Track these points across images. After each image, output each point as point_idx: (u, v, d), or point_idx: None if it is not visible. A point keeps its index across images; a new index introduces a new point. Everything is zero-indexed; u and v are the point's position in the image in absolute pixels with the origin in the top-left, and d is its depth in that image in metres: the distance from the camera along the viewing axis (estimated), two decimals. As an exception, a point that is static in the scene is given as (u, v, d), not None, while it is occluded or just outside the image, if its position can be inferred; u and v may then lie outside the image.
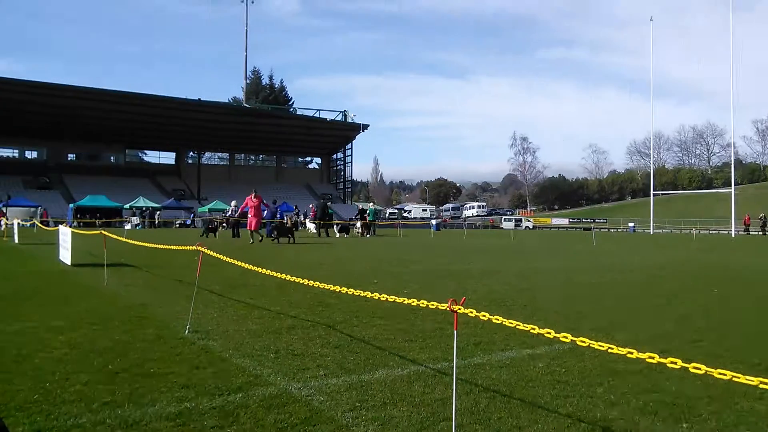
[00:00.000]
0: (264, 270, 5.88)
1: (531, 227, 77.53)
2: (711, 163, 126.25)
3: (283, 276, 5.23)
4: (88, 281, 9.69)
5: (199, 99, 67.53)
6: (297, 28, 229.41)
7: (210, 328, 6.03)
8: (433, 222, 52.71)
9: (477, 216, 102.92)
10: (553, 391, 4.13)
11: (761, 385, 2.19)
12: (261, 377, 4.34)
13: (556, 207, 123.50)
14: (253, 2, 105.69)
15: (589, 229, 57.99)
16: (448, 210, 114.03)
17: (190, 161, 79.37)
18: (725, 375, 2.28)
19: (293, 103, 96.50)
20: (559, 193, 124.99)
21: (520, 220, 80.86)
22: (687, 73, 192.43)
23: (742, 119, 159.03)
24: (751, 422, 3.57)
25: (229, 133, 74.05)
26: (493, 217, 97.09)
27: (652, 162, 76.21)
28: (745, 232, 56.14)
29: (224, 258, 6.33)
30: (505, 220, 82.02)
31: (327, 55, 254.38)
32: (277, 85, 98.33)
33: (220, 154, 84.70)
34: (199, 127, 70.74)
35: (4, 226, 26.18)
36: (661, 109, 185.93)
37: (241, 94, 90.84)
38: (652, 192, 62.07)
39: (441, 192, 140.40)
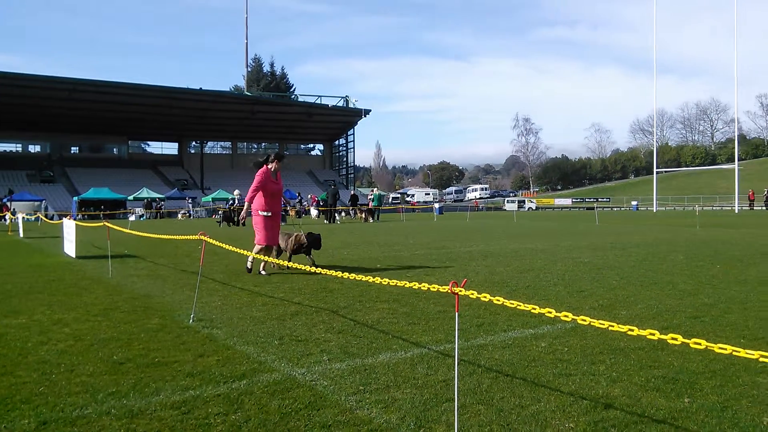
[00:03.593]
0: (266, 258, 5.91)
1: (534, 208, 77.39)
2: (714, 139, 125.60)
3: (286, 263, 5.26)
4: (93, 273, 9.73)
5: (201, 88, 67.36)
6: (297, 14, 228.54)
7: (214, 317, 6.06)
8: (437, 206, 52.68)
9: (480, 198, 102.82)
10: (556, 369, 4.14)
11: (761, 359, 2.18)
12: (265, 364, 4.36)
13: (559, 187, 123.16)
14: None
15: (592, 208, 57.91)
16: (451, 193, 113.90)
17: (192, 151, 79.33)
18: (726, 349, 2.28)
19: (294, 90, 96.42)
20: (562, 174, 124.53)
21: (523, 202, 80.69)
22: (690, 48, 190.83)
23: (746, 94, 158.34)
24: (752, 396, 3.58)
25: (231, 121, 74.00)
26: (495, 199, 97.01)
27: (655, 140, 76.07)
28: (749, 208, 55.99)
29: (227, 246, 6.34)
30: (507, 201, 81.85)
31: (327, 41, 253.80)
32: (278, 73, 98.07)
33: (222, 143, 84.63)
34: (200, 117, 70.67)
35: (9, 221, 26.28)
36: (664, 86, 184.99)
37: (242, 82, 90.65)
38: (655, 170, 61.90)
39: (444, 175, 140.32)
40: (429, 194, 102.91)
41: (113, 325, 5.71)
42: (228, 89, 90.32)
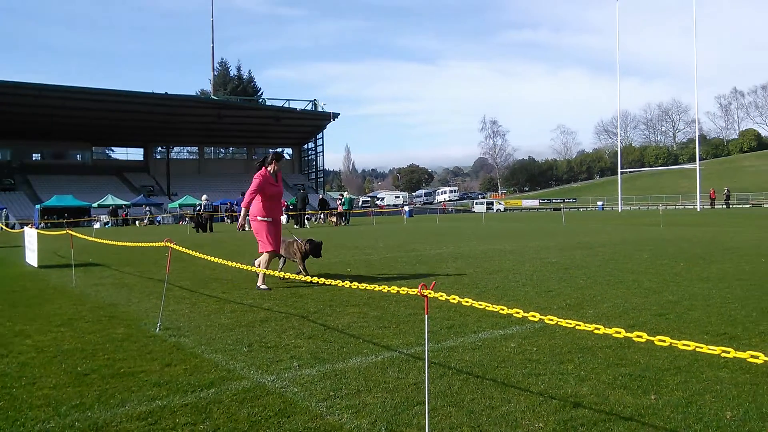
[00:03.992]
0: (235, 264, 5.84)
1: (502, 210, 78.13)
2: (676, 139, 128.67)
3: (255, 269, 5.21)
4: (56, 282, 9.50)
5: (166, 93, 66.49)
6: (264, 18, 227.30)
7: (181, 325, 5.96)
8: (406, 208, 52.87)
9: (449, 200, 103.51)
10: (525, 369, 4.17)
11: (723, 354, 2.23)
12: (234, 371, 4.31)
13: (527, 189, 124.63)
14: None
15: (559, 209, 58.73)
16: (421, 196, 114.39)
17: (158, 156, 78.08)
18: (689, 346, 2.32)
19: (262, 93, 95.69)
20: (529, 175, 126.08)
21: (492, 203, 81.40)
22: (652, 50, 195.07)
23: (705, 95, 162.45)
24: (716, 390, 3.66)
25: (198, 126, 73.05)
26: (464, 201, 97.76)
27: (619, 141, 77.65)
28: (711, 206, 57.41)
29: (194, 253, 6.25)
30: (476, 203, 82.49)
31: (295, 44, 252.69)
32: (245, 76, 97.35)
33: (189, 148, 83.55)
34: (166, 122, 69.58)
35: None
36: (627, 87, 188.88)
37: (208, 87, 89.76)
38: (619, 170, 63.12)
39: (413, 178, 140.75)
40: (399, 197, 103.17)
41: (77, 335, 5.58)
42: (194, 93, 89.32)
